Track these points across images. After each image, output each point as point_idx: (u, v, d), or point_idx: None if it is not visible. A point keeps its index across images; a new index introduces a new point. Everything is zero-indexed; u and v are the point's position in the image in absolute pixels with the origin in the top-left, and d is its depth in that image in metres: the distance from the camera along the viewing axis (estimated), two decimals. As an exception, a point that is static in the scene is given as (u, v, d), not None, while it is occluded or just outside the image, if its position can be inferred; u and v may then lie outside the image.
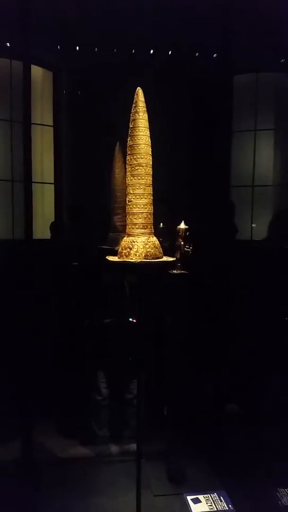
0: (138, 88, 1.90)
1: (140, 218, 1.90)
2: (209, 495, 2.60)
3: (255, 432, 3.19)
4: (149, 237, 1.92)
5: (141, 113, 1.88)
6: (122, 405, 3.11)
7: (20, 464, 2.90)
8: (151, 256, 1.88)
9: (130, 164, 1.90)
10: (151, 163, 1.92)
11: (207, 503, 2.53)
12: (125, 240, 1.94)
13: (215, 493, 2.62)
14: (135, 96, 1.90)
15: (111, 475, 2.80)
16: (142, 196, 1.89)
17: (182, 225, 2.69)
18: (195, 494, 2.61)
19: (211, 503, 2.53)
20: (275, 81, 3.41)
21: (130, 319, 3.00)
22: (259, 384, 3.23)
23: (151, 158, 1.92)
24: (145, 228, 1.91)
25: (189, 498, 2.58)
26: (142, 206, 1.90)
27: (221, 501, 2.55)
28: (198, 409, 2.95)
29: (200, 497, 2.59)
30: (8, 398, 2.83)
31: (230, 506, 2.50)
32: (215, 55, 3.25)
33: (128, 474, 2.61)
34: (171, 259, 2.04)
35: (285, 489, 2.66)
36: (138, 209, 1.90)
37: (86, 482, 2.73)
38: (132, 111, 1.90)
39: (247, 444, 3.11)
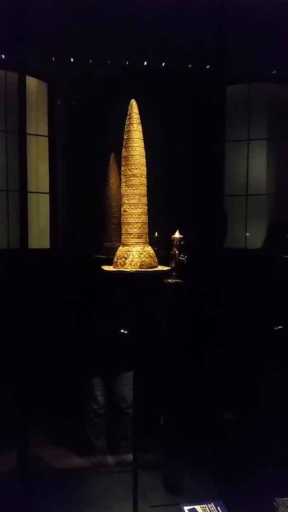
0: (132, 100, 1.93)
1: (135, 227, 1.92)
2: (206, 505, 2.59)
3: (252, 441, 3.19)
4: (144, 247, 1.93)
5: (135, 125, 1.91)
6: (118, 414, 3.09)
7: (16, 474, 2.88)
8: (146, 265, 1.90)
9: (125, 175, 1.93)
10: (145, 173, 1.94)
11: (204, 513, 2.52)
12: (120, 250, 1.95)
13: (212, 503, 2.60)
14: (129, 108, 1.93)
15: (107, 485, 2.78)
16: (136, 206, 1.91)
17: (177, 235, 2.71)
18: (192, 504, 2.59)
19: (208, 513, 2.52)
20: (267, 91, 3.45)
21: (122, 331, 3.00)
22: (256, 392, 3.23)
23: (145, 168, 1.95)
24: (140, 238, 1.93)
25: (186, 508, 2.56)
26: (137, 216, 1.92)
27: (218, 511, 2.53)
28: (194, 419, 2.94)
29: (197, 507, 2.57)
30: (3, 409, 2.81)
31: (227, 516, 2.50)
32: (208, 66, 3.29)
33: (125, 485, 2.60)
34: (166, 268, 2.05)
35: (282, 499, 2.65)
36: (133, 219, 1.92)
37: (82, 493, 2.71)
38: (127, 122, 1.93)
39: (244, 454, 3.11)
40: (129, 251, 1.90)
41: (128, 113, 1.92)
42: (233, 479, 2.83)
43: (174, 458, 2.77)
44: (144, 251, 1.92)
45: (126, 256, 1.90)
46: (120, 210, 1.97)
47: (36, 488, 2.76)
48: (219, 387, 3.08)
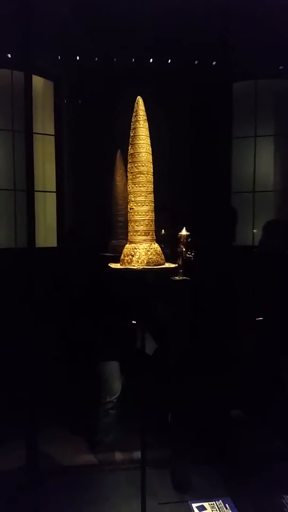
0: (138, 97, 1.93)
1: (141, 225, 1.92)
2: (214, 502, 2.59)
3: (260, 438, 3.18)
4: (151, 244, 1.93)
5: (141, 122, 1.91)
6: (126, 411, 3.10)
7: (24, 471, 2.90)
8: (153, 263, 1.90)
9: (131, 172, 1.92)
10: (152, 170, 1.94)
11: (212, 510, 2.52)
12: (127, 247, 1.95)
13: (220, 500, 2.61)
14: (135, 105, 1.92)
15: (115, 482, 2.79)
16: (143, 203, 1.91)
17: (184, 232, 2.71)
18: (200, 502, 2.60)
19: (217, 510, 2.52)
20: (274, 87, 3.43)
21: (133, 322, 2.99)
22: (263, 390, 3.22)
23: (152, 165, 1.94)
24: (146, 235, 1.93)
25: (194, 505, 2.57)
26: (143, 213, 1.92)
27: (226, 508, 2.53)
28: (202, 416, 2.94)
29: (205, 504, 2.57)
30: (10, 405, 2.83)
31: (235, 513, 2.50)
32: (214, 63, 3.28)
33: (133, 482, 2.60)
34: (173, 265, 2.05)
35: (291, 496, 2.65)
36: (139, 216, 1.92)
37: (91, 490, 2.72)
38: (133, 119, 1.92)
39: (252, 451, 3.10)
40: (136, 249, 1.90)
41: (134, 110, 1.92)
42: (242, 477, 2.83)
43: (182, 455, 2.77)
44: (151, 249, 1.92)
45: (133, 253, 1.90)
46: (127, 207, 1.97)
47: (44, 485, 2.77)
48: (226, 385, 3.07)
